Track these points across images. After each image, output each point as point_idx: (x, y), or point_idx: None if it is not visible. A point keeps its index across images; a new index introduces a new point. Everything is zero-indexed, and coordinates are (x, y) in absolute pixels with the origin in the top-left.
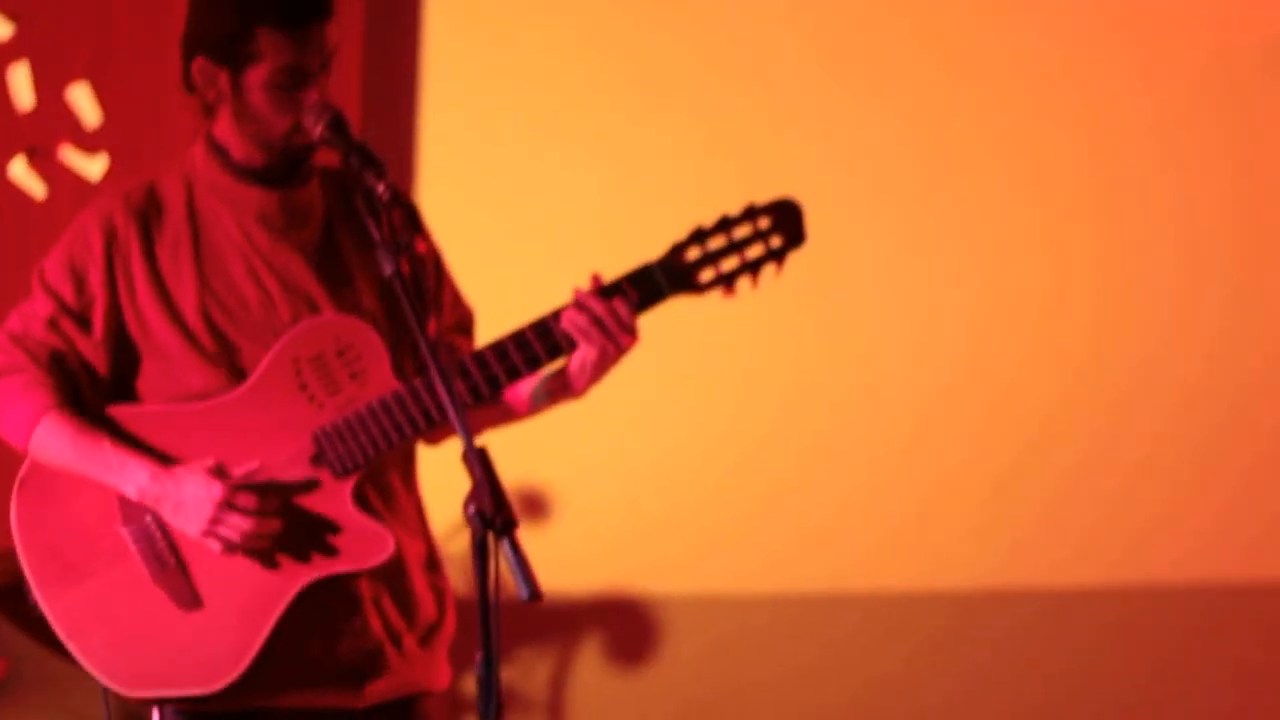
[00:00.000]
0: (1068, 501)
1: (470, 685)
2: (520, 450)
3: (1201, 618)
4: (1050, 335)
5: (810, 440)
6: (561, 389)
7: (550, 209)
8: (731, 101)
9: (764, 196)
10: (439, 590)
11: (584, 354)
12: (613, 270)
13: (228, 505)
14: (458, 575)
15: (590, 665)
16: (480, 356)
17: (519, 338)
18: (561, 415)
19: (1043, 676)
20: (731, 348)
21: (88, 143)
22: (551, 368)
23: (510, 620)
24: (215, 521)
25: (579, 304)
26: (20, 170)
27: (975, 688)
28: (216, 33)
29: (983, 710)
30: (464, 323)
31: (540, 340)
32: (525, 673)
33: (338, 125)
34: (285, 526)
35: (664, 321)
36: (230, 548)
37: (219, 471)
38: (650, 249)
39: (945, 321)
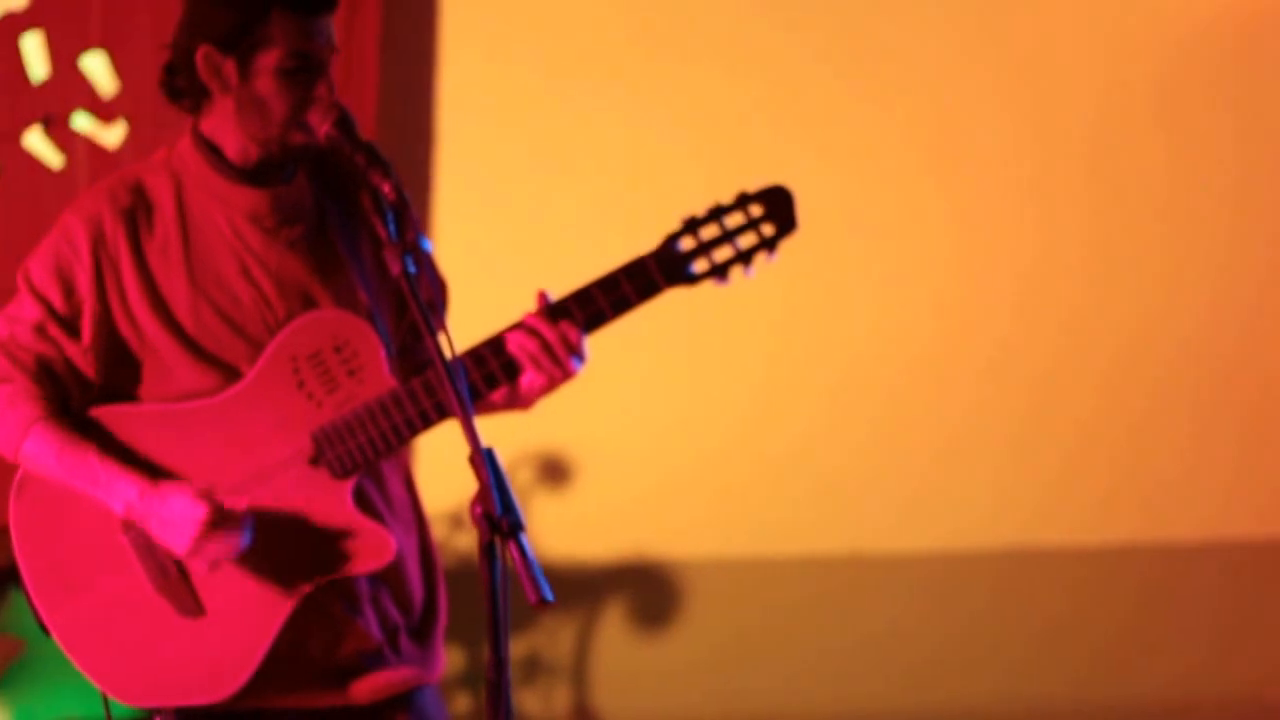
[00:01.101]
0: (1085, 459)
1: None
2: (541, 416)
3: (1220, 574)
4: (1051, 301)
5: (829, 402)
6: (509, 404)
7: (563, 208)
8: (736, 101)
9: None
10: (432, 581)
11: (531, 379)
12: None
13: (213, 525)
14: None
15: (613, 630)
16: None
17: (475, 354)
18: (581, 381)
19: (1059, 634)
20: (750, 309)
21: (104, 111)
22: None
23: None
24: (200, 541)
25: (527, 328)
26: (37, 140)
27: (995, 645)
28: (227, 19)
29: (999, 667)
30: (438, 297)
31: (496, 359)
32: (549, 638)
33: (345, 124)
34: (286, 532)
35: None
36: (214, 566)
37: (207, 494)
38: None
39: (959, 282)
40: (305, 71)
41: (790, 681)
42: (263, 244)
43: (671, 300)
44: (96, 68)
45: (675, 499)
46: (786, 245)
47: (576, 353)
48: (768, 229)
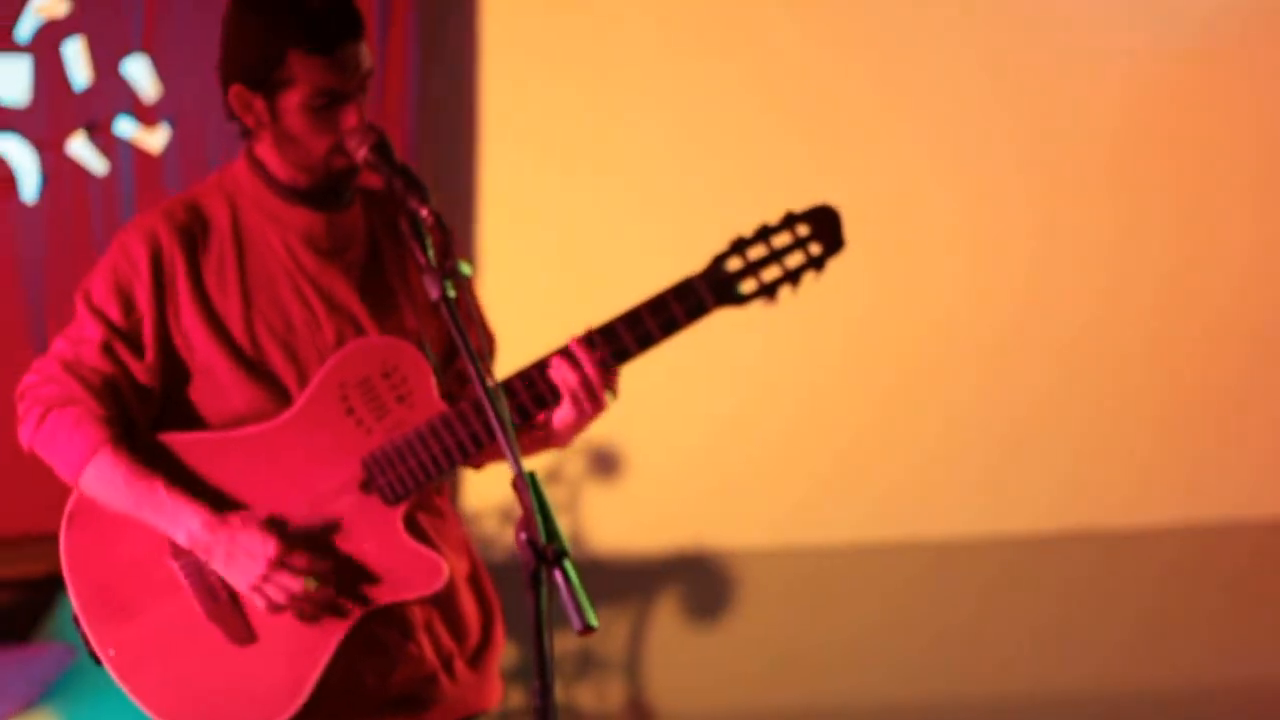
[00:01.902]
0: (1128, 443)
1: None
2: None
3: (1250, 556)
4: (1064, 280)
5: (882, 392)
6: (541, 443)
7: (605, 219)
8: (772, 107)
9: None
10: (486, 605)
11: (565, 414)
12: (671, 275)
13: (280, 564)
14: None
15: (666, 623)
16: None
17: (509, 385)
18: (632, 374)
19: (1117, 616)
20: (801, 302)
21: (147, 116)
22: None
23: (586, 578)
24: (265, 579)
25: (571, 359)
26: (81, 146)
27: (1052, 629)
28: (249, 60)
29: (1058, 652)
30: (484, 349)
31: (527, 390)
32: (603, 632)
33: (382, 148)
34: (338, 559)
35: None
36: (275, 608)
37: (274, 524)
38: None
39: (1005, 271)
40: (336, 105)
41: (846, 671)
42: (316, 266)
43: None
44: (139, 72)
45: (726, 490)
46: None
47: (611, 388)
48: (815, 248)
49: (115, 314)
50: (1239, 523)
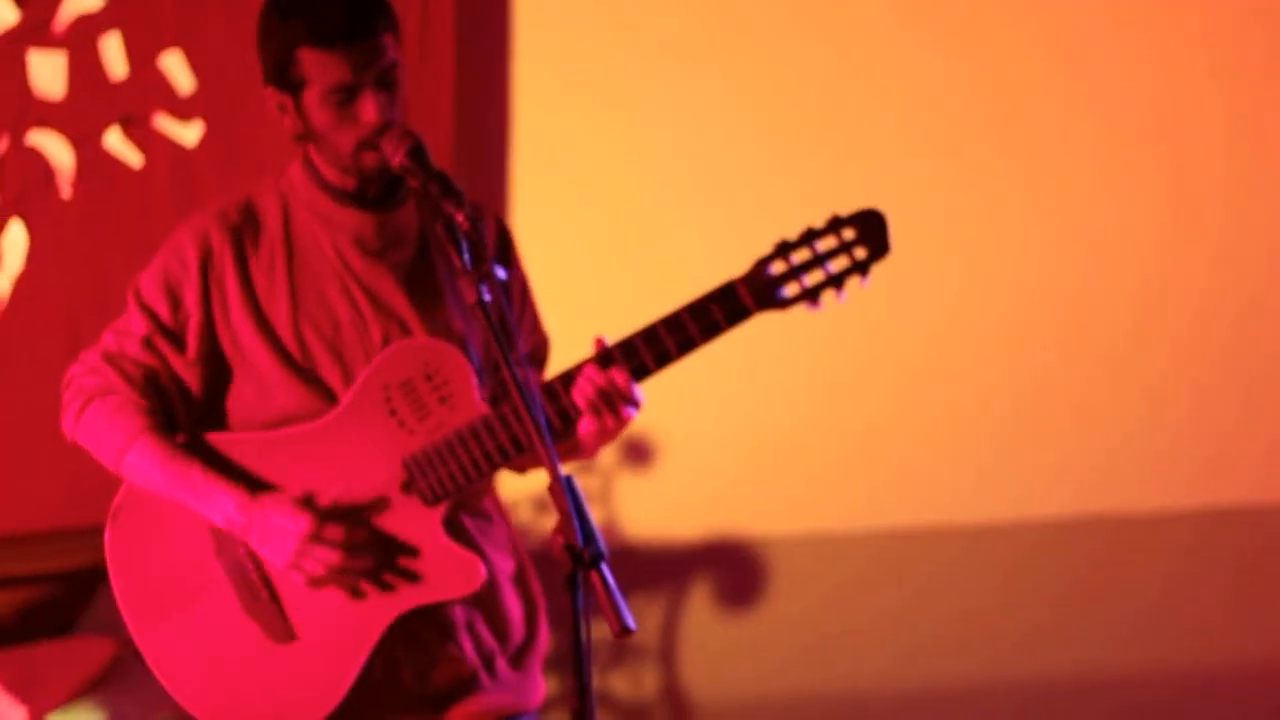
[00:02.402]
0: (1146, 428)
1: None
2: None
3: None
4: (1118, 265)
5: (910, 378)
6: (569, 452)
7: (642, 203)
8: (813, 86)
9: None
10: (531, 605)
11: (589, 425)
12: (701, 282)
13: (314, 538)
14: None
15: (700, 609)
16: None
17: (549, 389)
18: None
19: (1139, 599)
20: None
21: (182, 110)
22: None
23: (620, 567)
24: (301, 554)
25: (590, 379)
26: (116, 140)
27: (1080, 613)
28: (271, 62)
29: (1085, 635)
30: (537, 352)
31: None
32: (636, 620)
33: (417, 153)
34: (377, 557)
35: (764, 243)
36: (315, 582)
37: (306, 502)
38: (740, 254)
39: (1026, 257)
40: (350, 101)
41: (877, 655)
42: (364, 266)
43: (754, 256)
44: (174, 67)
45: (758, 477)
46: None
47: (628, 399)
48: (860, 252)
49: (163, 311)
50: (1258, 507)
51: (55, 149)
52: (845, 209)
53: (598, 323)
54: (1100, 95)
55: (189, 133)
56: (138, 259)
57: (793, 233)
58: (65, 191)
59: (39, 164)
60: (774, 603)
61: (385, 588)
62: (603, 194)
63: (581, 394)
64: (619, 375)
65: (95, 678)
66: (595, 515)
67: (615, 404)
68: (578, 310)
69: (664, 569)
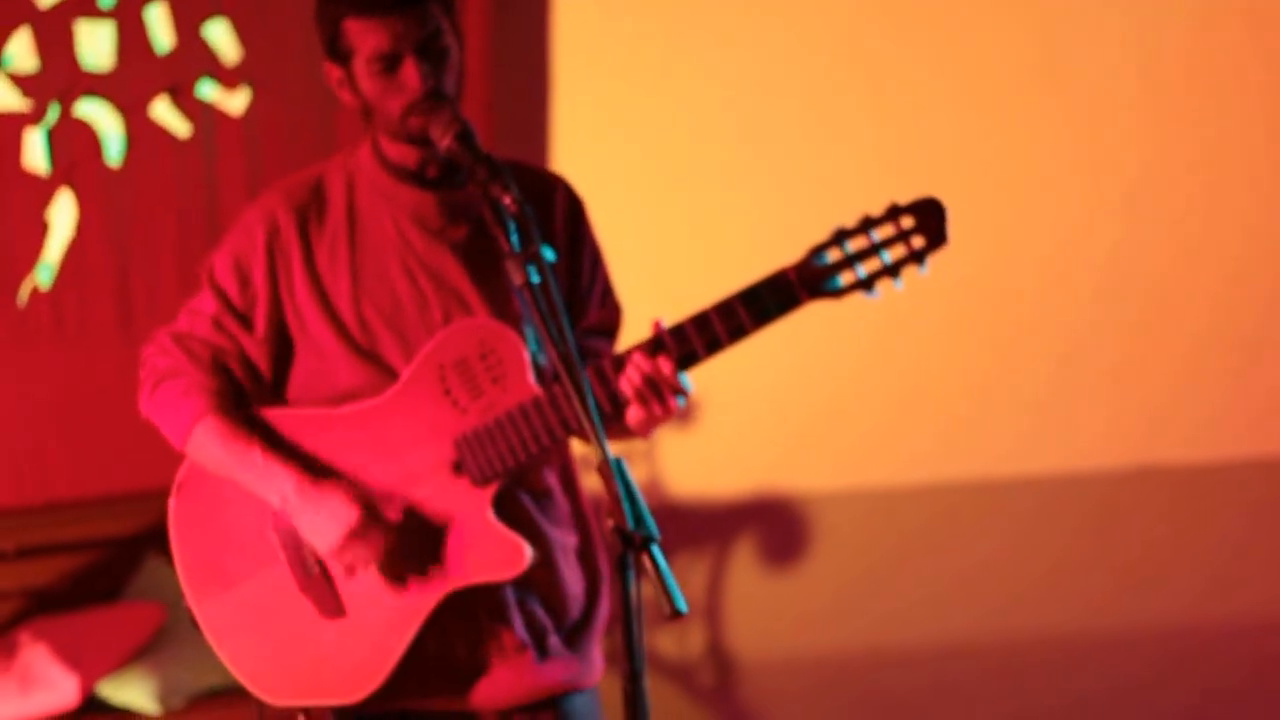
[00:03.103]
0: (1194, 380)
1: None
2: None
3: None
4: (1160, 216)
5: (953, 333)
6: (622, 433)
7: (680, 198)
8: (852, 53)
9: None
10: (593, 581)
11: (638, 414)
12: (749, 268)
13: (358, 534)
14: None
15: (744, 567)
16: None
17: (598, 370)
18: None
19: (1196, 549)
20: None
21: (228, 78)
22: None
23: (664, 524)
24: (344, 546)
25: (635, 366)
26: (164, 109)
27: (1126, 567)
28: (323, 36)
29: (1130, 588)
30: (607, 324)
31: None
32: (681, 577)
33: (465, 137)
34: (426, 538)
35: (810, 225)
36: (351, 571)
37: (361, 496)
38: (784, 241)
39: (1067, 206)
40: (394, 69)
41: (922, 609)
42: (425, 245)
43: (797, 241)
44: (219, 35)
45: (801, 433)
46: (907, 181)
47: (675, 389)
48: (918, 241)
49: (232, 291)
50: None
51: (104, 119)
52: (892, 173)
53: (641, 306)
54: (1138, 48)
55: (235, 101)
56: (185, 228)
57: (841, 209)
58: (114, 161)
59: (87, 134)
60: (819, 560)
61: (433, 568)
62: (644, 172)
63: (629, 382)
64: (665, 364)
65: (145, 644)
66: (639, 473)
67: (662, 393)
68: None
69: (709, 527)
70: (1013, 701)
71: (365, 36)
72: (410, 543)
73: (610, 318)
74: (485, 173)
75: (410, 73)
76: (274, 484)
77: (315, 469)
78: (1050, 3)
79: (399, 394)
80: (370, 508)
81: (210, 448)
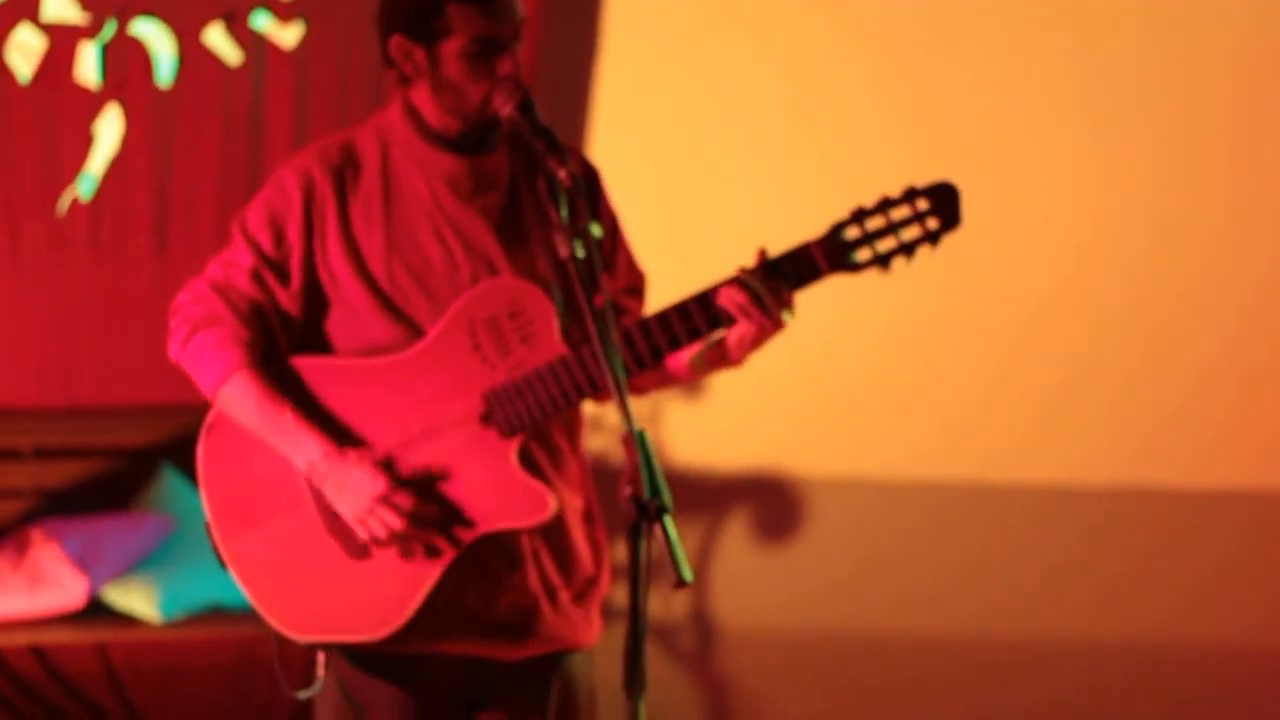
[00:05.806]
0: (1200, 400)
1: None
2: None
3: None
4: (1180, 238)
5: (959, 330)
6: (720, 359)
7: (717, 177)
8: (890, 45)
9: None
10: (597, 545)
11: (742, 330)
12: (773, 242)
13: (384, 501)
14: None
15: (735, 539)
16: (645, 325)
17: (682, 309)
18: None
19: (1182, 571)
20: None
21: (283, 11)
22: (712, 337)
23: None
24: (369, 513)
25: (740, 282)
26: (217, 36)
27: (1110, 582)
28: (409, 12)
29: (1112, 602)
30: (636, 285)
31: (701, 312)
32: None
33: (527, 107)
34: (451, 485)
35: (819, 212)
36: (375, 542)
37: (388, 464)
38: (812, 217)
39: (1087, 224)
40: (490, 54)
41: (906, 602)
42: (456, 208)
43: (811, 225)
44: None
45: (807, 418)
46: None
47: (786, 307)
48: (932, 223)
49: (267, 244)
50: None
51: (157, 40)
52: (916, 168)
53: (669, 284)
54: (1173, 75)
55: (288, 34)
56: (227, 155)
57: (863, 200)
58: (164, 81)
59: (140, 54)
60: (810, 544)
61: (457, 515)
62: (681, 155)
63: (730, 299)
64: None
65: (152, 553)
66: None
67: (766, 304)
68: (651, 256)
69: (706, 497)
70: (984, 700)
71: (472, 22)
72: (436, 489)
73: (638, 278)
74: (544, 145)
75: (506, 62)
76: (302, 449)
77: (343, 423)
78: (1088, 18)
79: (429, 347)
80: (394, 479)
81: (242, 402)
